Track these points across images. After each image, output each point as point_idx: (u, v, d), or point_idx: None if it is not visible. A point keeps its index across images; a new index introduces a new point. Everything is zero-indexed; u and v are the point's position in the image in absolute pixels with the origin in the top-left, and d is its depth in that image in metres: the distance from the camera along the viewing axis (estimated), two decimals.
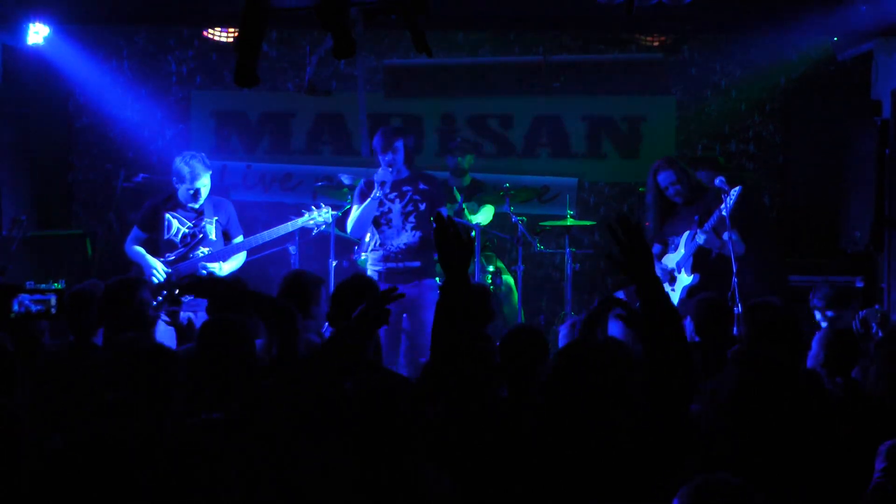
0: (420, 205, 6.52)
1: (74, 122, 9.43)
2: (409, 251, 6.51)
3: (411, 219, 6.51)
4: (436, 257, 6.93)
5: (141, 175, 8.18)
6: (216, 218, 6.69)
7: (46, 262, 7.91)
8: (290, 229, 6.86)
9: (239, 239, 6.76)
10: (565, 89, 9.14)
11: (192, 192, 6.57)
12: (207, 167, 6.62)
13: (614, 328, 6.57)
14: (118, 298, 4.73)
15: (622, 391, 2.84)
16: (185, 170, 6.55)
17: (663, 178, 6.72)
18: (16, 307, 4.27)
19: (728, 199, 6.38)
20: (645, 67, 9.15)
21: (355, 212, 6.59)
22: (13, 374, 3.78)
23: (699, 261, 6.60)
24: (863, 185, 8.09)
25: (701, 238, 6.51)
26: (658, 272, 6.81)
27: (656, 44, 9.09)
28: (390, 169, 6.47)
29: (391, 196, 6.53)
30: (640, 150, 9.34)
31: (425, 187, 6.55)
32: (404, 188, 6.54)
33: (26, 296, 4.28)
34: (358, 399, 3.07)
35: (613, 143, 9.42)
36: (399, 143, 6.49)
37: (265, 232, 6.78)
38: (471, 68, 9.23)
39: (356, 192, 6.73)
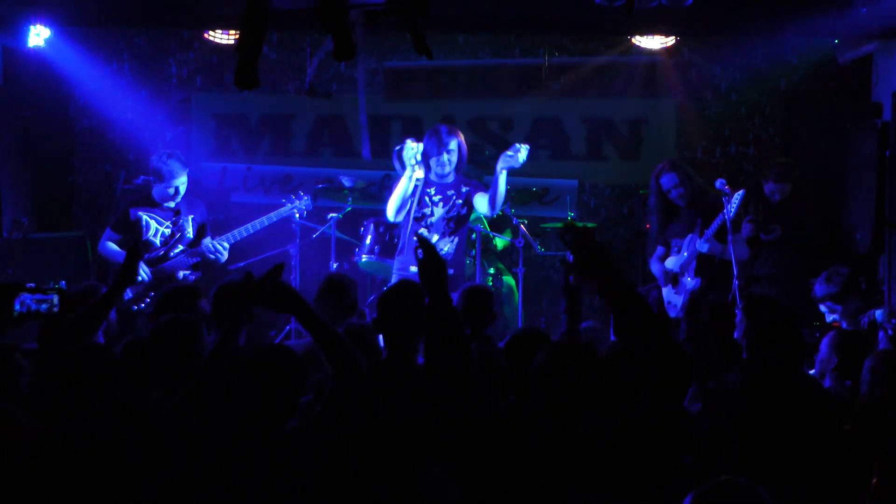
0: (462, 209, 6.30)
1: (75, 124, 9.43)
2: (445, 258, 6.10)
3: (452, 224, 6.28)
4: (468, 262, 6.86)
5: (141, 177, 8.16)
6: (192, 216, 6.67)
7: (47, 264, 7.89)
8: (275, 219, 6.86)
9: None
10: (565, 91, 9.14)
11: (171, 190, 6.55)
12: (185, 165, 6.60)
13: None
14: (180, 305, 4.80)
15: (601, 388, 2.87)
16: (164, 168, 6.53)
17: (666, 180, 6.70)
18: (17, 307, 4.25)
19: (730, 203, 6.34)
20: (645, 70, 9.14)
21: (396, 192, 6.29)
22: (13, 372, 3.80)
23: (702, 264, 6.56)
24: (863, 188, 8.08)
25: (704, 247, 6.49)
26: (660, 274, 6.80)
27: (656, 46, 9.08)
28: (440, 171, 6.23)
29: (435, 199, 6.30)
30: (641, 152, 9.35)
31: (467, 189, 6.33)
32: (449, 192, 6.30)
33: (28, 295, 4.26)
34: (361, 399, 3.07)
35: (614, 145, 9.42)
36: (454, 144, 6.24)
37: (248, 224, 6.72)
38: (471, 70, 9.22)
39: (394, 156, 6.61)
